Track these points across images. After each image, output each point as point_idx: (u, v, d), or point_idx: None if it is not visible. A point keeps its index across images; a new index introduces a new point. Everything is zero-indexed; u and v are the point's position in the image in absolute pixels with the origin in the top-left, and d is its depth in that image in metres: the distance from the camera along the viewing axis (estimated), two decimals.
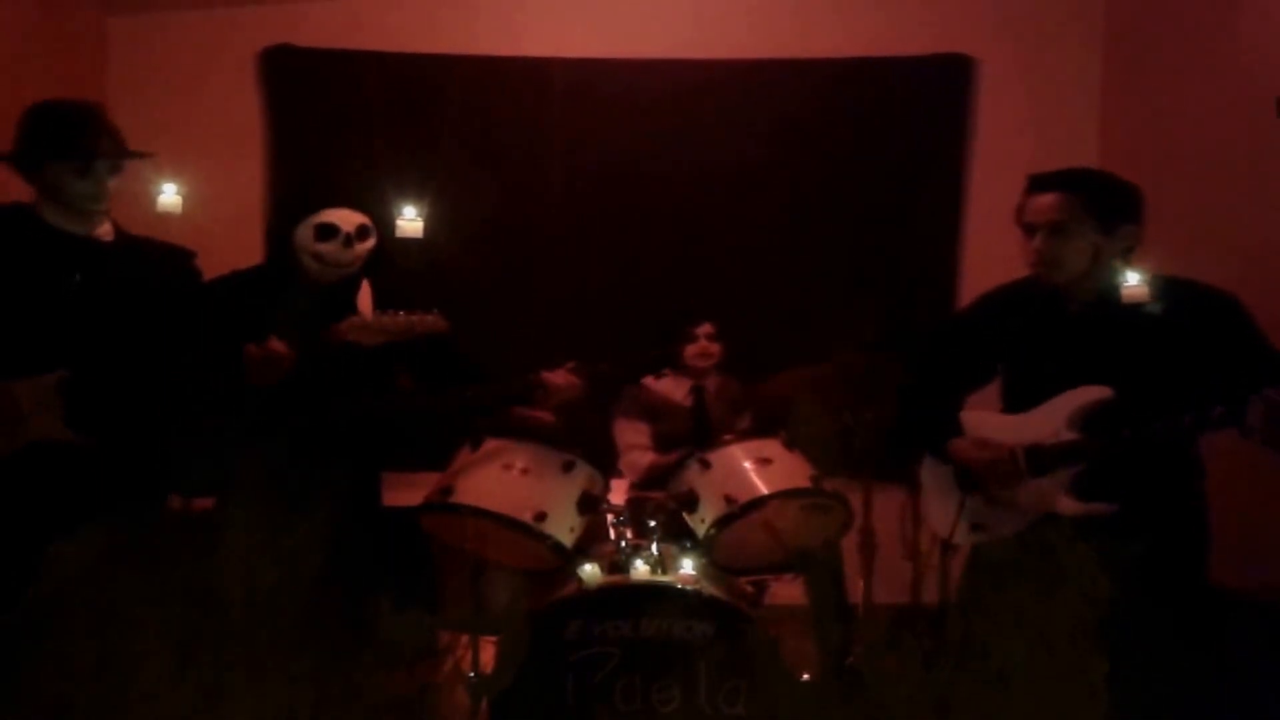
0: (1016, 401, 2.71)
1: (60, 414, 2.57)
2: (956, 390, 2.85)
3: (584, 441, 3.22)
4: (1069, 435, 2.58)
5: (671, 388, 3.99)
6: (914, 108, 4.69)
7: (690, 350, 3.93)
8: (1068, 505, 2.58)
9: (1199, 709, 2.39)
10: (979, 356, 2.81)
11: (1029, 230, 2.62)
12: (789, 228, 4.67)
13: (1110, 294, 2.53)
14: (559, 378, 3.09)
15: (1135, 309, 2.48)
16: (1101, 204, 2.57)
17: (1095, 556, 2.26)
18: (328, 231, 2.91)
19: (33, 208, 2.71)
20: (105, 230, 2.77)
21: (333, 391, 2.84)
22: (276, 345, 2.69)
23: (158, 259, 2.81)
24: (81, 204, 2.67)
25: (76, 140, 2.65)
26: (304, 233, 2.91)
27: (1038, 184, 2.64)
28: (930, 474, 2.87)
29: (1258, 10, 3.72)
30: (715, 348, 3.96)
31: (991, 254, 4.45)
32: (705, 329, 3.95)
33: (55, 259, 2.68)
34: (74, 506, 2.50)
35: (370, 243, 2.97)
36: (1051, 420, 2.62)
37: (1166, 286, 2.52)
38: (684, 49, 4.64)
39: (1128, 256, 2.57)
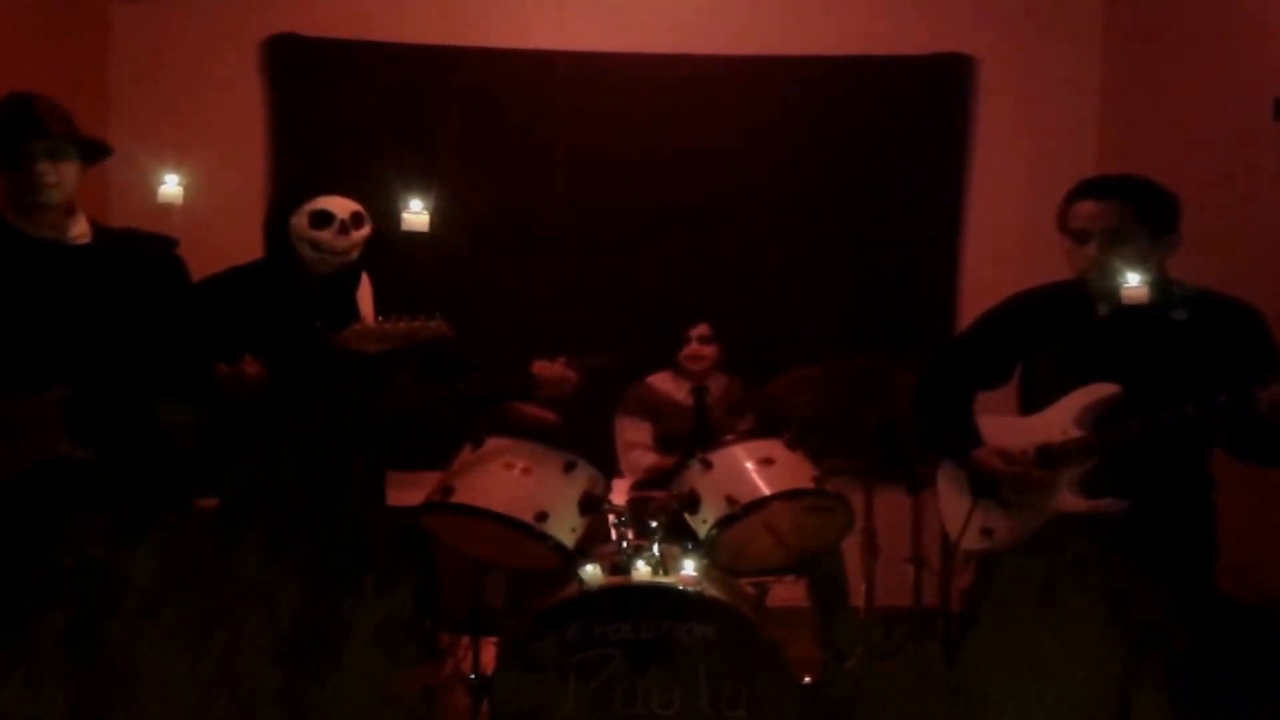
0: (1038, 405, 2.71)
1: (63, 430, 2.50)
2: (973, 393, 2.84)
3: (586, 441, 3.20)
4: (1077, 432, 2.59)
5: (673, 387, 3.98)
6: (914, 106, 4.67)
7: (683, 352, 3.93)
8: (1076, 503, 2.58)
9: (1205, 715, 2.39)
10: (1000, 359, 2.81)
11: (1081, 236, 2.59)
12: (789, 226, 4.65)
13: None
14: (551, 370, 3.06)
15: (1162, 315, 2.49)
16: (1154, 212, 2.57)
17: (1105, 563, 2.27)
18: (322, 219, 2.88)
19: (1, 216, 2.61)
20: (80, 232, 2.65)
21: (335, 393, 2.82)
22: (249, 365, 2.65)
23: (139, 253, 2.71)
24: (21, 196, 2.55)
25: (3, 128, 2.55)
26: (299, 221, 2.89)
27: (1091, 190, 2.61)
28: (946, 477, 2.86)
29: (1256, 10, 3.71)
30: (709, 349, 3.94)
31: (992, 253, 4.50)
32: (699, 330, 3.94)
33: (29, 267, 2.57)
34: (82, 521, 2.48)
35: (366, 230, 2.94)
36: (1061, 419, 2.62)
37: (1192, 295, 2.53)
38: (687, 44, 4.62)
39: (1165, 264, 2.58)
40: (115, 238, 2.72)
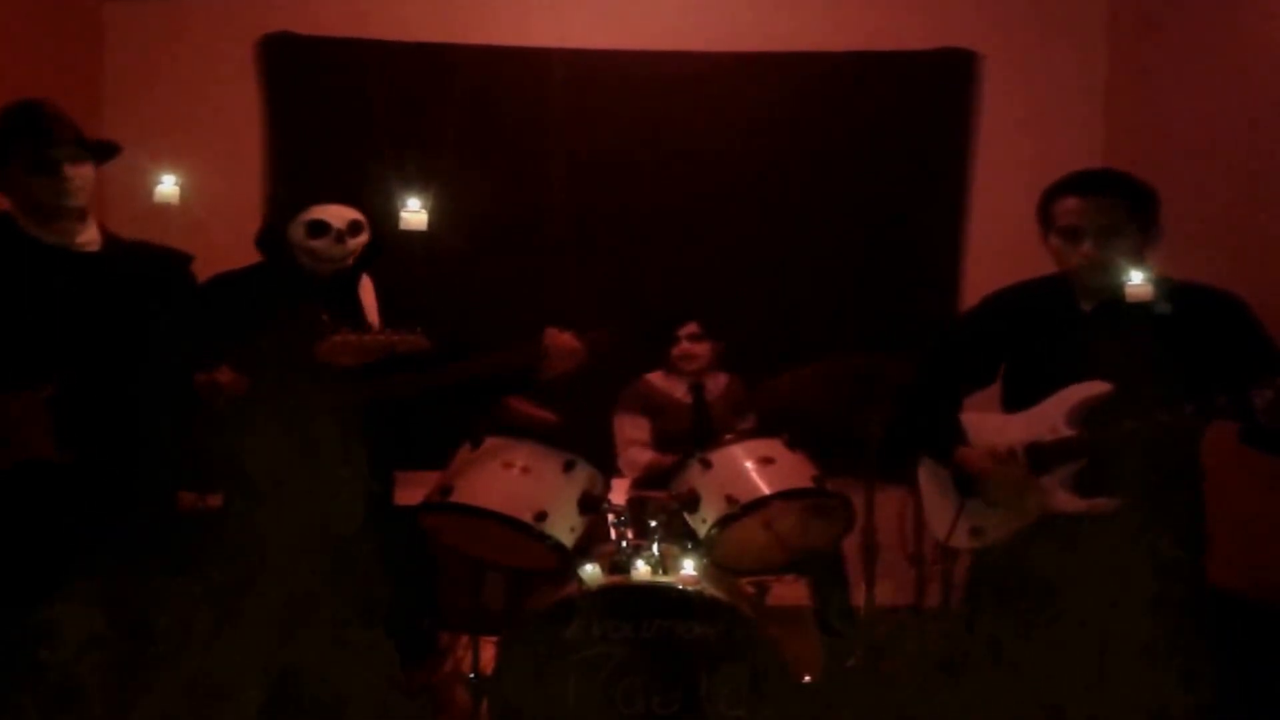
0: (1022, 401, 2.70)
1: (49, 431, 2.50)
2: (960, 392, 2.84)
3: (585, 441, 3.19)
4: (1068, 431, 2.58)
5: (672, 385, 3.98)
6: (916, 103, 4.66)
7: (675, 351, 3.92)
8: (1068, 502, 2.58)
9: (1200, 710, 2.38)
10: (985, 358, 2.80)
11: (1072, 233, 2.60)
12: (789, 223, 4.64)
13: (1124, 293, 2.53)
14: (562, 338, 3.00)
15: (1147, 308, 2.48)
16: (1142, 207, 2.59)
17: (1100, 559, 2.26)
18: (318, 228, 2.90)
19: (10, 217, 2.61)
20: (90, 239, 2.67)
21: (323, 396, 2.80)
22: (223, 375, 2.65)
23: (150, 266, 2.72)
24: (48, 200, 2.55)
25: (26, 133, 2.55)
26: (296, 230, 2.92)
27: (1078, 186, 2.62)
28: (928, 476, 2.86)
29: (1262, 4, 3.70)
30: (700, 348, 3.94)
31: (994, 251, 4.48)
32: (689, 329, 3.93)
33: (35, 271, 2.58)
34: (65, 525, 2.47)
35: (363, 238, 2.96)
36: (1050, 417, 2.62)
37: (1176, 289, 2.52)
38: (686, 41, 4.62)
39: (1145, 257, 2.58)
40: (125, 248, 2.73)
